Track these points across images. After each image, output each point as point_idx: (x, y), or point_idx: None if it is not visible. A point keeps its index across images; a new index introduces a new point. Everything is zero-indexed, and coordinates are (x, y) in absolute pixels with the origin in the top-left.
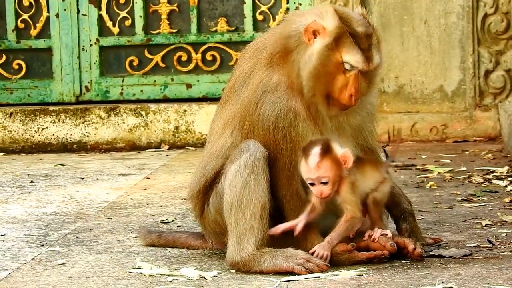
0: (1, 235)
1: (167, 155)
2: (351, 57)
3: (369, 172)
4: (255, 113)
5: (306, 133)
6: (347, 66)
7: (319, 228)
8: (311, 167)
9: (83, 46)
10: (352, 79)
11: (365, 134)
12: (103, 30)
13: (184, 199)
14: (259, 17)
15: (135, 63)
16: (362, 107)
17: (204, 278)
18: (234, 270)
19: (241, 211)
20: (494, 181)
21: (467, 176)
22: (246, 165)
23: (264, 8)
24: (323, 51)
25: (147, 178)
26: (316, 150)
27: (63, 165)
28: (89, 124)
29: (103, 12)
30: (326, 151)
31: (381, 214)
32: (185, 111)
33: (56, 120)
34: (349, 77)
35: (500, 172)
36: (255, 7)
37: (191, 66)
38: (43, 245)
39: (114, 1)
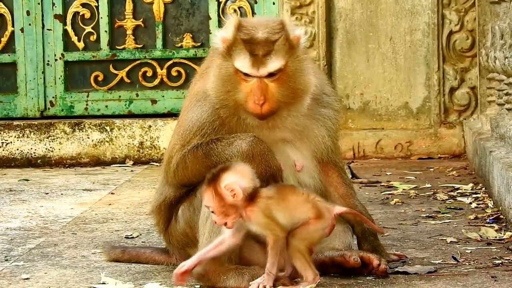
0: None
1: (131, 171)
2: (238, 62)
3: (291, 202)
4: (185, 117)
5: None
6: (242, 72)
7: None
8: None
9: (48, 61)
10: (253, 85)
11: (322, 148)
12: (68, 45)
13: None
14: None
15: (100, 79)
16: (298, 116)
17: None
18: (198, 286)
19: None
20: (459, 198)
21: (431, 193)
22: None
23: None
24: (220, 61)
25: (111, 193)
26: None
27: (27, 180)
28: (54, 139)
29: (68, 27)
30: (211, 180)
31: (305, 261)
32: (150, 126)
33: (21, 135)
34: (251, 85)
35: (464, 189)
36: (220, 23)
37: (156, 81)
38: (7, 260)
39: (79, 16)
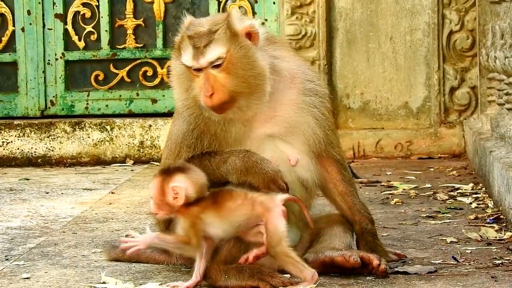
0: None
1: (132, 170)
2: (183, 57)
3: (227, 208)
4: (170, 131)
5: (215, 145)
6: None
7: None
8: None
9: (49, 60)
10: (202, 79)
11: (313, 139)
12: (68, 45)
13: (149, 214)
14: None
15: (100, 78)
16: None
17: None
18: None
19: None
20: (459, 198)
21: (432, 193)
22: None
23: None
24: (174, 62)
25: (112, 193)
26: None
27: (28, 179)
28: (54, 138)
29: (69, 27)
30: (163, 173)
31: (297, 262)
32: (150, 126)
33: (21, 134)
34: (200, 80)
35: (464, 189)
36: None
37: (157, 81)
38: (7, 259)
39: (80, 16)
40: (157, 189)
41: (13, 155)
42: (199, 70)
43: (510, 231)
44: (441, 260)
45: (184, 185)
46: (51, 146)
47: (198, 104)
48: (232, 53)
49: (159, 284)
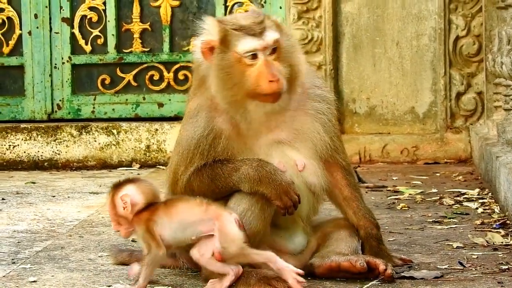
0: None
1: (138, 174)
2: (243, 45)
3: (178, 208)
4: (181, 136)
5: (227, 152)
6: (246, 55)
7: None
8: None
9: (55, 64)
10: (262, 65)
11: (320, 144)
12: (75, 48)
13: None
14: None
15: (107, 82)
16: (298, 106)
17: None
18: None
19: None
20: (465, 203)
21: (438, 198)
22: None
23: None
24: (219, 59)
25: None
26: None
27: (34, 182)
28: (61, 142)
29: (76, 30)
30: (114, 187)
31: (254, 254)
32: (157, 130)
33: (28, 138)
34: (259, 66)
35: (471, 194)
36: None
37: (163, 85)
38: (14, 263)
39: (86, 20)
40: (109, 204)
41: (19, 159)
42: (254, 58)
43: None
44: (447, 265)
45: (130, 193)
46: (57, 150)
47: (246, 98)
48: (283, 40)
49: None
